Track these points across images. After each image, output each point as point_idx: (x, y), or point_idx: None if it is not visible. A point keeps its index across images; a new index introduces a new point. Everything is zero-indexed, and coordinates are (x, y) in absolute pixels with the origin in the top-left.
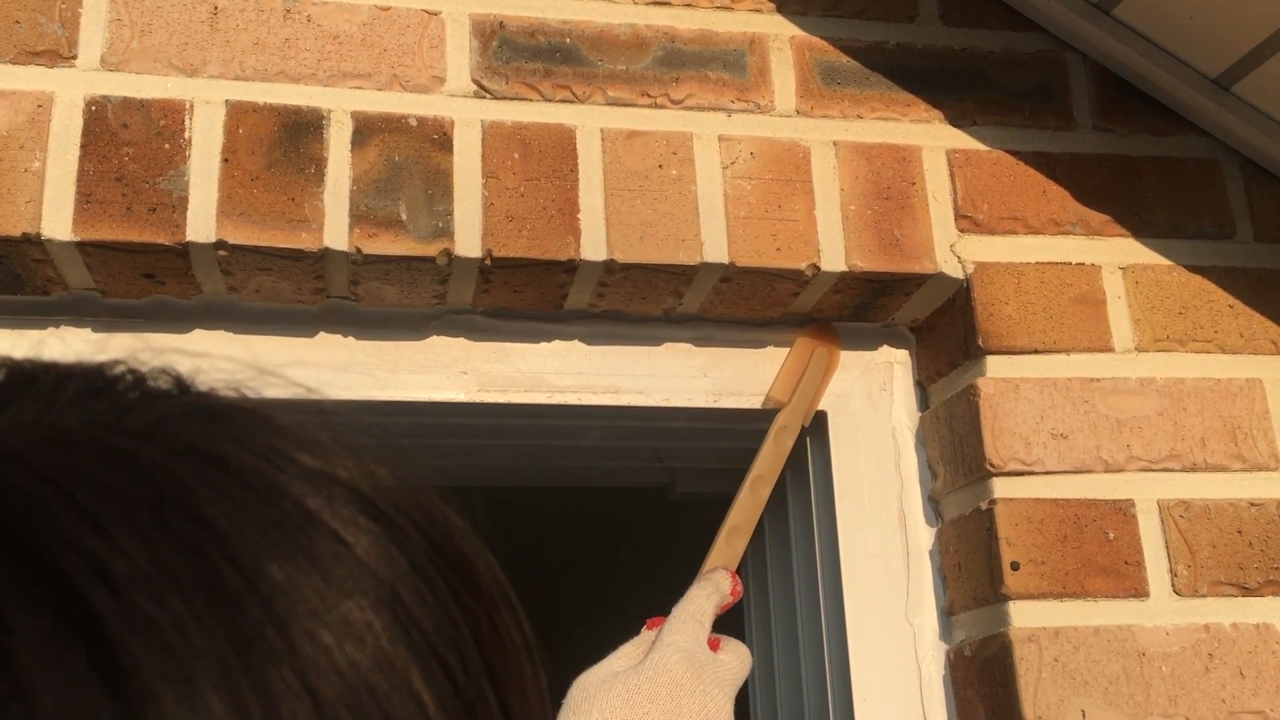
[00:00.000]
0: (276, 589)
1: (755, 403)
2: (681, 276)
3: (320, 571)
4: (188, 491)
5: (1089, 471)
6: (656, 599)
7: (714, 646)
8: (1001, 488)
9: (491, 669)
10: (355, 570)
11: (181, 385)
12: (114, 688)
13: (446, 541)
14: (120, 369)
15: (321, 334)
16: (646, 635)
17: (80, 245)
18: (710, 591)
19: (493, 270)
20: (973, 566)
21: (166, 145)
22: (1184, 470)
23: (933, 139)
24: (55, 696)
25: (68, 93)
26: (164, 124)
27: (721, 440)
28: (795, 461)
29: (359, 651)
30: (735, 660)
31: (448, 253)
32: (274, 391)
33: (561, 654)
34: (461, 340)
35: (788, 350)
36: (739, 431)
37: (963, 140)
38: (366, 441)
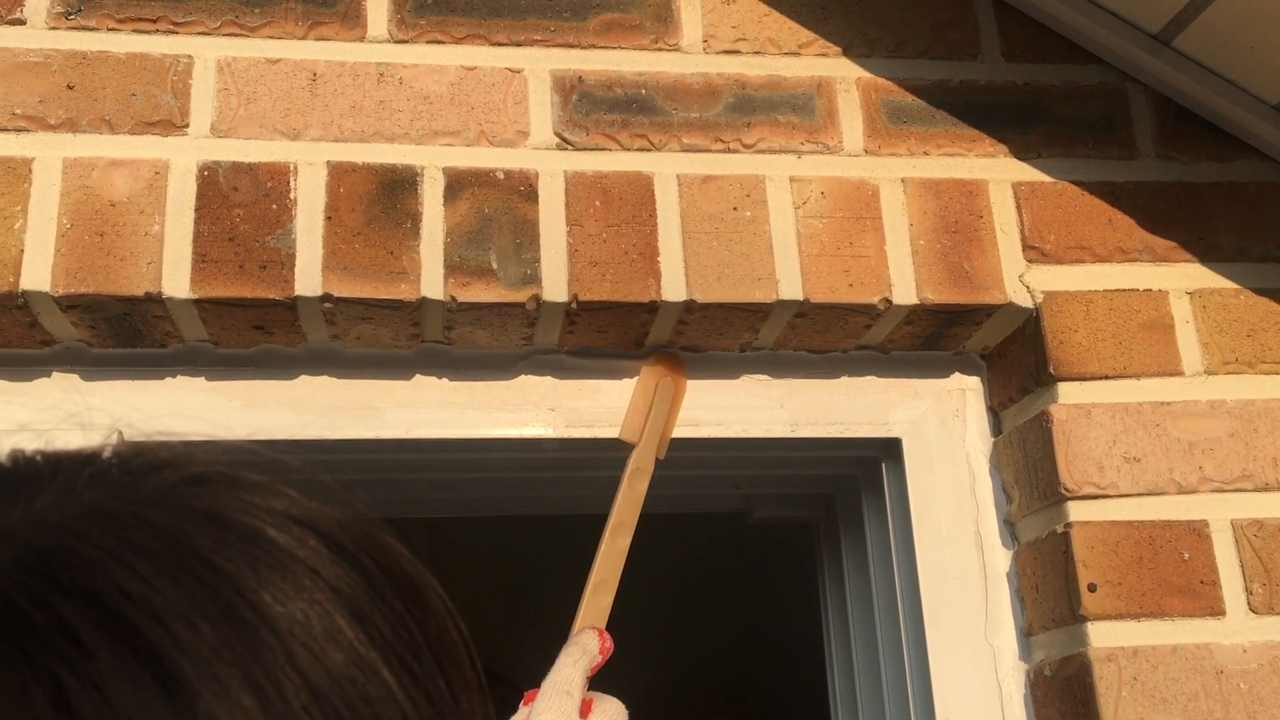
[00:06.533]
0: (275, 612)
1: (832, 431)
2: (758, 313)
3: (304, 597)
4: (196, 544)
5: (1162, 493)
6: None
7: (586, 710)
8: (1077, 511)
9: (439, 661)
10: (327, 592)
11: (157, 461)
12: (169, 694)
13: (392, 564)
14: (111, 452)
15: (418, 376)
16: (521, 713)
17: (197, 302)
18: (577, 657)
19: (578, 313)
20: (1050, 588)
21: (274, 206)
22: (1256, 490)
23: (999, 172)
24: (131, 704)
25: (181, 159)
26: (271, 186)
27: (798, 467)
28: (871, 487)
29: (339, 654)
30: None
31: (536, 298)
32: (244, 454)
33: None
34: (549, 379)
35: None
36: (815, 459)
37: (1028, 173)
38: (317, 485)
